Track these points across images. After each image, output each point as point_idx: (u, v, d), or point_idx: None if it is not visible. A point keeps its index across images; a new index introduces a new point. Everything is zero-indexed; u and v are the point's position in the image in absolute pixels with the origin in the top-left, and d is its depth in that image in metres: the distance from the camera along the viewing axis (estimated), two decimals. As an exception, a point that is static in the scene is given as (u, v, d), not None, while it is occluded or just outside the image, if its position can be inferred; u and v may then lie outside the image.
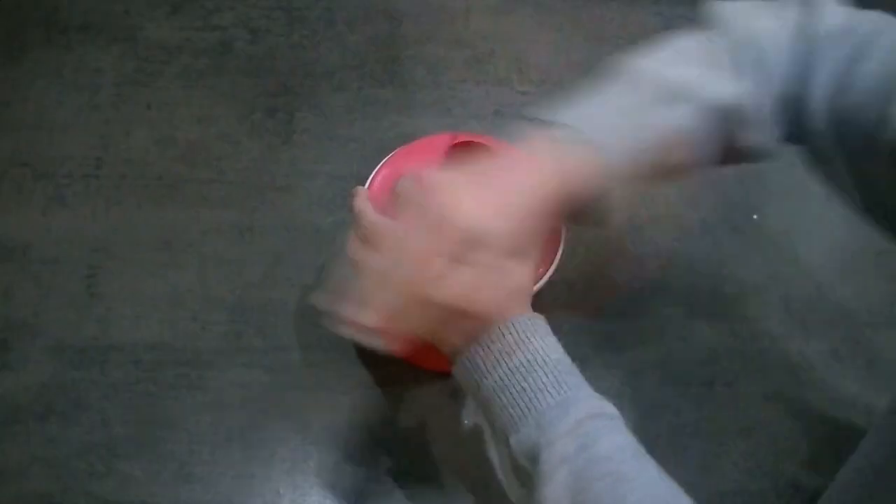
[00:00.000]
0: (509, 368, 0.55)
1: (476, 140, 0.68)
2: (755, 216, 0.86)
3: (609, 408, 0.55)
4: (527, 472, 0.53)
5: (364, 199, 0.61)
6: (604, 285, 0.80)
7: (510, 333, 0.55)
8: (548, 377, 0.54)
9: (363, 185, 0.85)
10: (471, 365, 0.56)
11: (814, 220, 0.87)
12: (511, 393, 0.55)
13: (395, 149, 0.88)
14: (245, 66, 0.93)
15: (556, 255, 0.68)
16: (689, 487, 0.73)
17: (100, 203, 0.84)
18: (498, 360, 0.55)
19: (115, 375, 0.76)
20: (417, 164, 0.66)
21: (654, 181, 0.61)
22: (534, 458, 0.52)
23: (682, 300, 0.84)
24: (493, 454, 0.67)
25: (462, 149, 0.65)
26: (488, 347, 0.56)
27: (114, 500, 0.71)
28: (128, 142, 0.88)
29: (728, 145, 0.61)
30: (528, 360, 0.55)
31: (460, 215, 0.54)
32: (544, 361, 0.55)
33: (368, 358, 0.77)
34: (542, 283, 0.66)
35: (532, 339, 0.55)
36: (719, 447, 0.76)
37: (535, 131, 0.58)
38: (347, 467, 0.73)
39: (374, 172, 0.71)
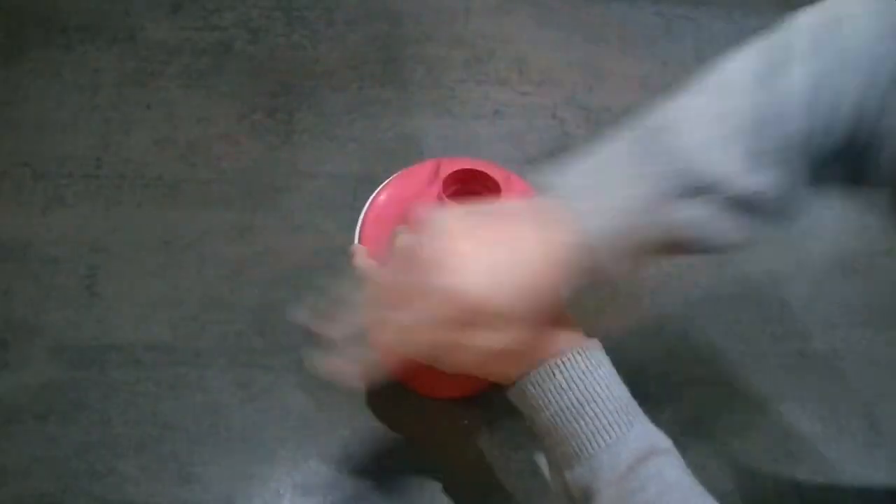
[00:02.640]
0: (560, 408, 0.54)
1: (473, 168, 0.63)
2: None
3: (662, 441, 0.55)
4: (582, 502, 0.53)
5: (364, 258, 0.60)
6: (602, 286, 0.80)
7: (560, 372, 0.54)
8: (599, 420, 0.53)
9: (361, 184, 0.86)
10: (521, 398, 0.56)
11: (813, 220, 0.87)
12: (564, 433, 0.54)
13: (395, 149, 0.89)
14: (245, 66, 0.93)
15: None
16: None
17: (100, 203, 0.84)
18: (549, 400, 0.54)
19: (115, 375, 0.76)
20: (410, 201, 0.65)
21: (648, 261, 0.56)
22: (587, 497, 0.53)
23: (681, 300, 0.84)
24: (542, 464, 0.65)
25: (459, 178, 0.62)
26: (539, 386, 0.55)
27: (114, 499, 0.71)
28: (128, 142, 0.88)
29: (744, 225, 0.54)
30: (579, 401, 0.54)
31: (467, 288, 0.49)
32: (595, 401, 0.54)
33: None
34: None
35: (584, 378, 0.54)
36: (719, 447, 0.76)
37: (543, 194, 0.53)
38: (347, 467, 0.73)
39: (365, 208, 0.68)
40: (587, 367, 0.55)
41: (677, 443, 0.75)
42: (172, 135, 0.88)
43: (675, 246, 0.54)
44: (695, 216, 0.52)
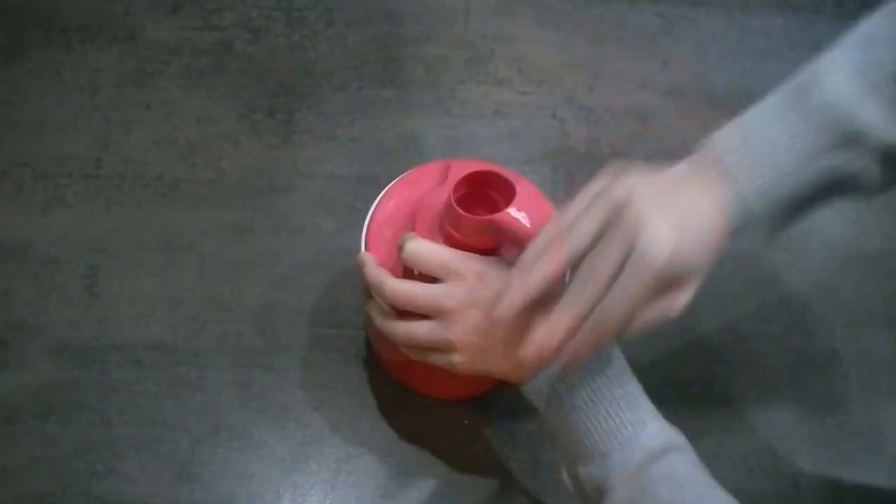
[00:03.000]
0: (573, 405, 0.55)
1: (485, 170, 0.60)
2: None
3: (676, 437, 0.56)
4: (595, 499, 0.54)
5: (375, 267, 0.60)
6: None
7: (573, 370, 0.55)
8: (613, 419, 0.54)
9: (361, 184, 0.86)
10: (536, 394, 0.57)
11: (812, 222, 0.86)
12: (577, 431, 0.55)
13: (395, 149, 0.89)
14: (245, 66, 0.93)
15: None
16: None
17: (100, 203, 0.84)
18: (562, 399, 0.55)
19: (115, 375, 0.76)
20: (417, 204, 0.63)
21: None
22: (600, 493, 0.53)
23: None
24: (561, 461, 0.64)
25: (470, 180, 0.59)
26: (552, 384, 0.56)
27: (113, 500, 0.71)
28: (128, 142, 0.88)
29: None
30: (592, 399, 0.55)
31: (660, 247, 0.49)
32: (609, 401, 0.55)
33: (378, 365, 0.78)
34: None
35: (596, 375, 0.55)
36: (719, 447, 0.76)
37: (701, 156, 0.55)
38: (347, 467, 0.73)
39: (370, 212, 0.66)
40: (599, 364, 0.56)
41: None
42: (172, 135, 0.88)
43: (826, 194, 0.55)
44: (846, 165, 0.53)
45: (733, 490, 0.74)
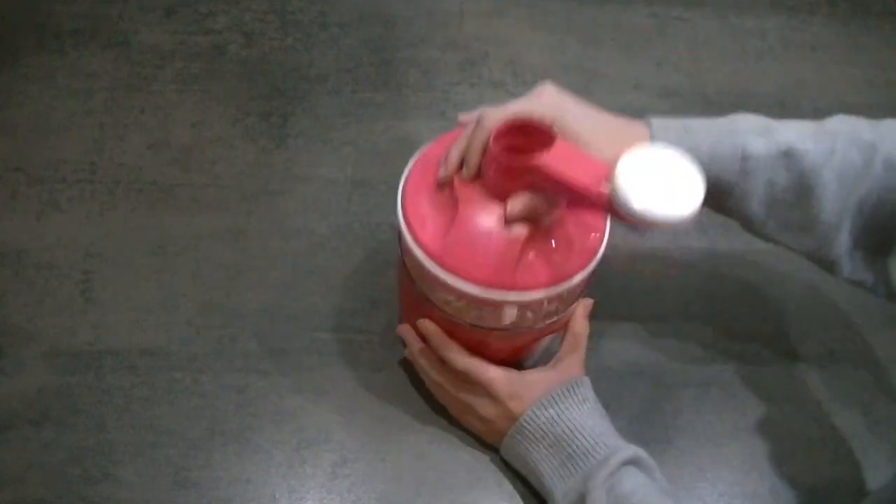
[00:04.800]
0: (554, 438, 0.66)
1: (525, 122, 0.61)
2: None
3: (641, 454, 0.65)
4: None
5: (440, 335, 0.70)
6: (599, 286, 0.80)
7: (551, 407, 0.66)
8: (587, 441, 0.65)
9: (355, 187, 0.86)
10: (515, 442, 0.68)
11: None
12: (556, 461, 0.66)
13: (389, 152, 0.89)
14: (239, 69, 0.93)
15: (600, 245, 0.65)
16: (687, 488, 0.74)
17: (94, 208, 0.84)
18: (544, 432, 0.66)
19: (110, 380, 0.76)
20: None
21: None
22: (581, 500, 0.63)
23: (678, 300, 0.84)
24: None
25: (511, 131, 0.60)
26: (533, 420, 0.67)
27: (109, 505, 0.70)
28: (122, 146, 0.88)
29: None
30: (570, 429, 0.66)
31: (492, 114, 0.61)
32: (583, 428, 0.66)
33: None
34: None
35: (570, 410, 0.67)
36: (717, 448, 0.76)
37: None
38: (343, 471, 0.73)
39: (403, 179, 0.66)
40: (574, 401, 0.67)
41: (675, 444, 0.76)
42: (166, 139, 0.88)
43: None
44: (752, 148, 0.62)
45: (731, 491, 0.74)
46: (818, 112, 0.90)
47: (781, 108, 0.91)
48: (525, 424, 0.67)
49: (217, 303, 0.80)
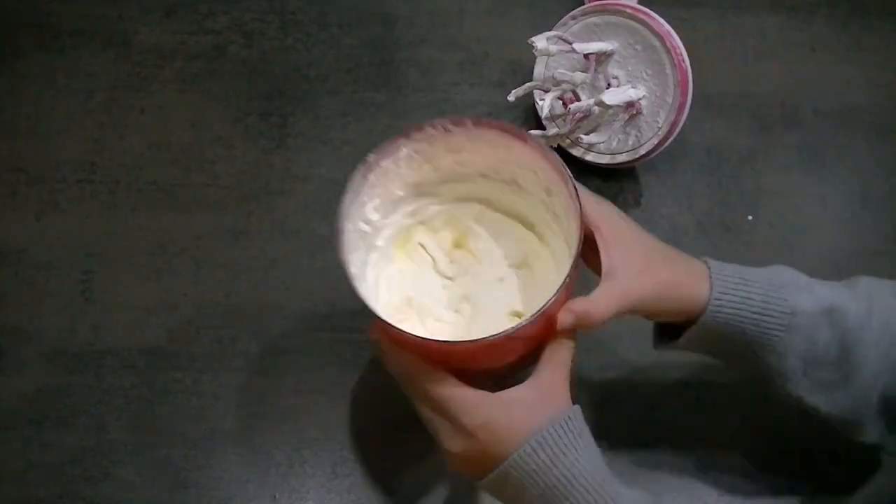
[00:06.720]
0: (546, 486, 0.56)
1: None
2: (750, 217, 0.86)
3: (644, 498, 0.58)
4: None
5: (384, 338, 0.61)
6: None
7: (542, 451, 0.56)
8: (587, 496, 0.56)
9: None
10: (502, 483, 0.57)
11: (808, 222, 0.87)
12: None
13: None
14: (239, 69, 0.93)
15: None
16: (687, 489, 0.74)
17: (94, 208, 0.84)
18: (534, 481, 0.56)
19: (110, 380, 0.76)
20: None
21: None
22: None
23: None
24: None
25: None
26: (522, 467, 0.56)
27: (109, 505, 0.71)
28: (122, 146, 0.88)
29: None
30: (566, 477, 0.56)
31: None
32: (582, 476, 0.56)
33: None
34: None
35: (566, 454, 0.56)
36: (717, 448, 0.76)
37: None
38: (343, 471, 0.73)
39: None
40: (569, 440, 0.56)
41: (675, 444, 0.76)
42: (166, 139, 0.88)
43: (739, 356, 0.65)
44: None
45: (731, 492, 0.74)
46: (818, 112, 0.91)
47: (781, 108, 0.91)
48: (512, 471, 0.56)
49: (217, 302, 0.80)
